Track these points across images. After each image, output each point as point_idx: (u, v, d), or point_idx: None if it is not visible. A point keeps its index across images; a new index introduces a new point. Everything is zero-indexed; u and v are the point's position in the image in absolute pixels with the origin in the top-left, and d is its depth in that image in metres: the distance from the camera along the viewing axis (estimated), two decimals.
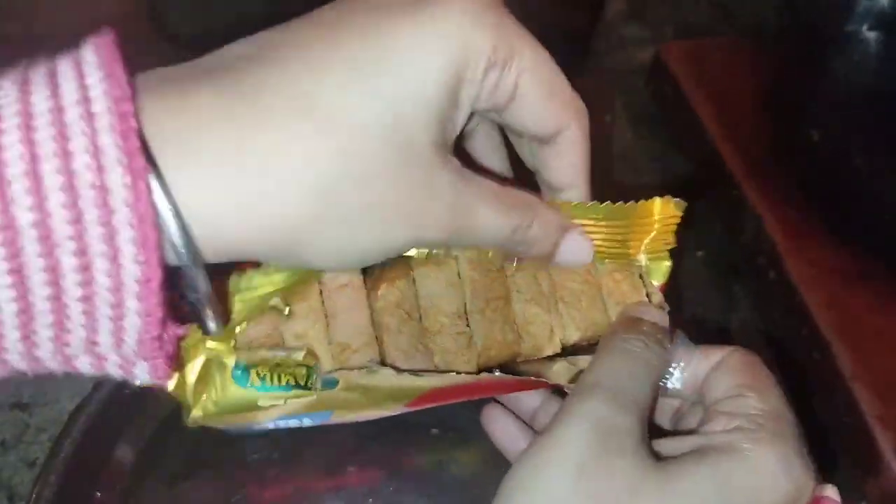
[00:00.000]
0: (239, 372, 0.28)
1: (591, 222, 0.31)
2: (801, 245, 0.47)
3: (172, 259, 0.21)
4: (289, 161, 0.21)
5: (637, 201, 0.31)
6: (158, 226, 0.20)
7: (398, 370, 0.29)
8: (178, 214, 0.20)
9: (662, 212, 0.32)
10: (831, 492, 0.40)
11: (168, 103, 0.21)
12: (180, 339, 0.23)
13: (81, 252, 0.19)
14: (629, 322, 0.30)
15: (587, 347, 0.32)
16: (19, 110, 0.19)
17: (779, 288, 0.47)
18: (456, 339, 0.30)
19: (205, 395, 0.28)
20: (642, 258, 0.33)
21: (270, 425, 0.29)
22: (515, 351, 0.31)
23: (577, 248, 0.30)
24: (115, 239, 0.19)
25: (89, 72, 0.20)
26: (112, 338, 0.21)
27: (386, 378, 0.29)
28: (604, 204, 0.31)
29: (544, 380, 0.32)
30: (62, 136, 0.19)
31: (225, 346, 0.28)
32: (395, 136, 0.22)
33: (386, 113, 0.22)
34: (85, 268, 0.19)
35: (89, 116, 0.19)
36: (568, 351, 0.32)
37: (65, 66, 0.20)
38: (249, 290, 0.29)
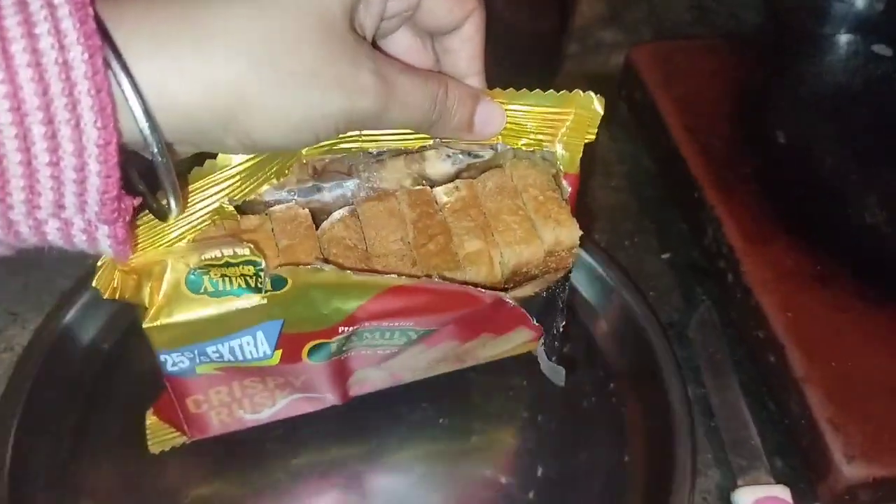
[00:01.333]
0: (193, 277, 0.30)
1: (524, 109, 0.34)
2: (759, 248, 0.47)
3: (131, 133, 0.24)
4: (227, 37, 0.25)
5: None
6: (114, 96, 0.23)
7: (342, 268, 0.31)
8: (134, 84, 0.23)
9: (580, 105, 0.35)
10: (780, 491, 0.40)
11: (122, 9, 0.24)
12: (136, 209, 0.26)
13: (49, 120, 0.22)
14: None
15: (527, 278, 0.35)
16: None
17: (737, 290, 0.47)
18: (402, 259, 0.33)
19: (159, 298, 0.30)
20: (557, 147, 0.35)
21: (225, 351, 0.32)
22: (458, 277, 0.34)
23: (491, 114, 0.33)
24: (76, 107, 0.22)
25: None
26: (76, 199, 0.23)
27: (330, 275, 0.30)
28: (533, 92, 0.34)
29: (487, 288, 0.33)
30: (28, 23, 0.21)
31: (182, 251, 0.30)
32: (316, 12, 0.26)
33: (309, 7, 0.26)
34: (52, 135, 0.22)
35: (50, 6, 0.22)
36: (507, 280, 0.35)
37: None
38: (201, 178, 0.31)
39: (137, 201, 0.26)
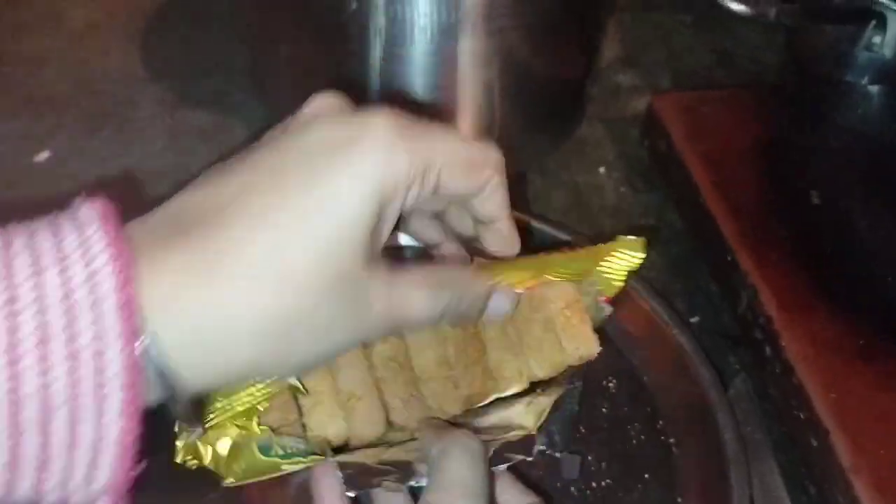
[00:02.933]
0: (263, 446, 0.33)
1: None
2: (798, 318, 0.44)
3: (152, 397, 0.25)
4: (243, 314, 0.25)
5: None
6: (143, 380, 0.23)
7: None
8: (163, 365, 0.24)
9: (624, 247, 0.37)
10: None
11: (153, 267, 0.24)
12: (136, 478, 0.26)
13: (73, 419, 0.22)
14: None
15: (547, 381, 0.37)
16: (33, 294, 0.22)
17: (776, 365, 0.44)
18: (444, 384, 0.35)
19: (235, 466, 0.32)
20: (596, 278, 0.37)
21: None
22: (492, 391, 0.36)
23: (501, 304, 0.34)
24: (104, 402, 0.23)
25: (94, 247, 0.23)
26: (84, 481, 0.24)
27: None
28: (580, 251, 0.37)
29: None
30: (70, 315, 0.22)
31: (249, 425, 0.33)
32: (331, 271, 0.26)
33: (324, 257, 0.26)
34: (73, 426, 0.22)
35: (93, 299, 0.22)
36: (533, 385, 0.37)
37: (70, 240, 0.23)
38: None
39: (138, 470, 0.26)
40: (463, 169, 0.30)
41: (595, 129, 0.67)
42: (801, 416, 0.42)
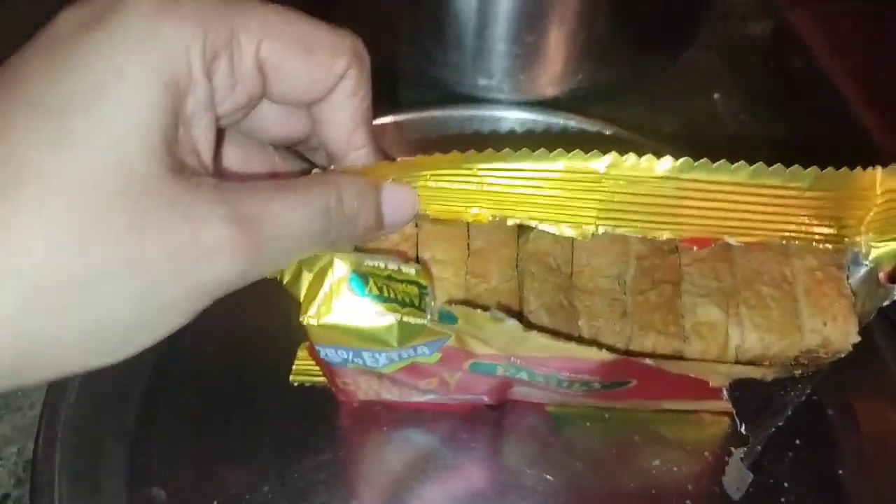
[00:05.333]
0: (356, 277, 0.25)
1: (794, 193, 0.25)
2: None
3: None
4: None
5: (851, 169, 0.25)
6: None
7: (526, 327, 0.24)
8: None
9: (886, 184, 0.25)
10: None
11: None
12: None
13: None
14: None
15: (765, 366, 0.26)
16: None
17: None
18: (611, 305, 0.26)
19: (318, 297, 0.25)
20: (861, 240, 0.26)
21: (383, 360, 0.27)
22: (677, 348, 0.26)
23: (399, 198, 0.26)
24: None
25: None
26: None
27: (510, 332, 0.24)
28: (808, 170, 0.25)
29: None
30: None
31: (347, 254, 0.25)
32: (118, 187, 0.19)
33: (104, 167, 0.19)
34: None
35: None
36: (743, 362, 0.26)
37: None
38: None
39: None
40: (297, 49, 0.22)
41: (707, 54, 0.59)
42: None
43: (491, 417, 0.34)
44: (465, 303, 0.26)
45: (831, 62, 0.47)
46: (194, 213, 0.20)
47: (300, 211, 0.22)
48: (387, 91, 0.50)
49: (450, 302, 0.26)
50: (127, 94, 0.19)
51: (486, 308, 0.25)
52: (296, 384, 0.34)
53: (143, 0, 0.20)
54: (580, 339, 0.26)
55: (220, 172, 0.25)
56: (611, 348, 0.25)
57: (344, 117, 0.24)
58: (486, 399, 0.33)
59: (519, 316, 0.26)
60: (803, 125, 0.50)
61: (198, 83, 0.20)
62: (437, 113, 0.47)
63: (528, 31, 0.45)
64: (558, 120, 0.47)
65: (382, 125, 0.46)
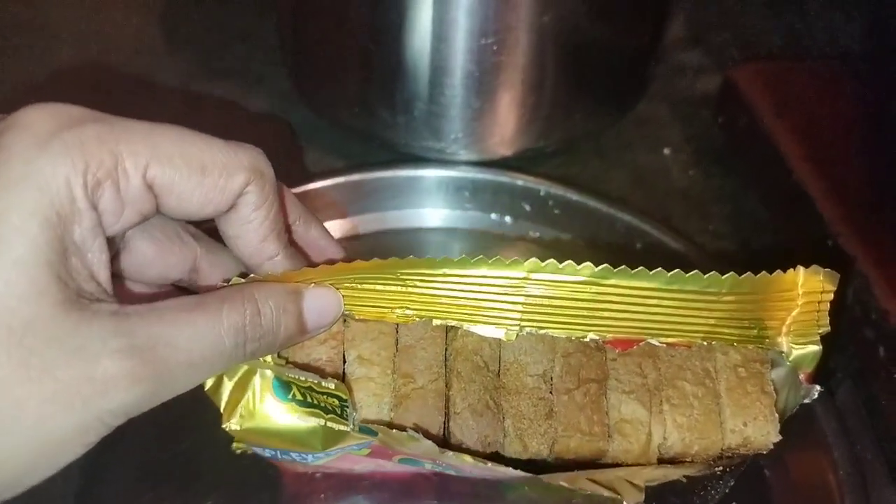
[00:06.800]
0: (279, 384, 0.25)
1: (712, 298, 0.25)
2: None
3: None
4: None
5: (770, 272, 0.26)
6: None
7: (441, 449, 0.25)
8: None
9: (807, 285, 0.26)
10: None
11: None
12: None
13: None
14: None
15: (686, 463, 0.27)
16: None
17: (890, 370, 0.36)
18: (535, 406, 0.26)
19: (241, 403, 0.24)
20: (783, 342, 0.26)
21: (310, 458, 0.26)
22: (600, 448, 0.26)
23: (322, 301, 0.25)
24: None
25: None
26: None
27: (428, 449, 0.25)
28: (726, 276, 0.25)
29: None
30: None
31: (267, 364, 0.25)
32: (3, 331, 0.18)
33: None
34: None
35: None
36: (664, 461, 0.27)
37: None
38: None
39: None
40: (187, 170, 0.22)
41: (658, 109, 0.60)
42: None
43: (434, 483, 0.34)
44: (394, 403, 0.26)
45: (775, 121, 0.48)
46: (87, 348, 0.19)
47: (209, 333, 0.22)
48: (335, 147, 0.51)
49: (367, 421, 0.26)
50: (7, 235, 0.19)
51: (406, 425, 0.25)
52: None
53: (25, 133, 0.20)
54: (496, 458, 0.26)
55: (123, 291, 0.25)
56: (529, 463, 0.26)
57: (250, 230, 0.24)
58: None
59: (446, 416, 0.26)
60: (751, 183, 0.51)
61: (82, 212, 0.20)
62: (384, 174, 0.48)
63: (476, 96, 0.46)
64: (507, 179, 0.48)
65: (336, 184, 0.47)
